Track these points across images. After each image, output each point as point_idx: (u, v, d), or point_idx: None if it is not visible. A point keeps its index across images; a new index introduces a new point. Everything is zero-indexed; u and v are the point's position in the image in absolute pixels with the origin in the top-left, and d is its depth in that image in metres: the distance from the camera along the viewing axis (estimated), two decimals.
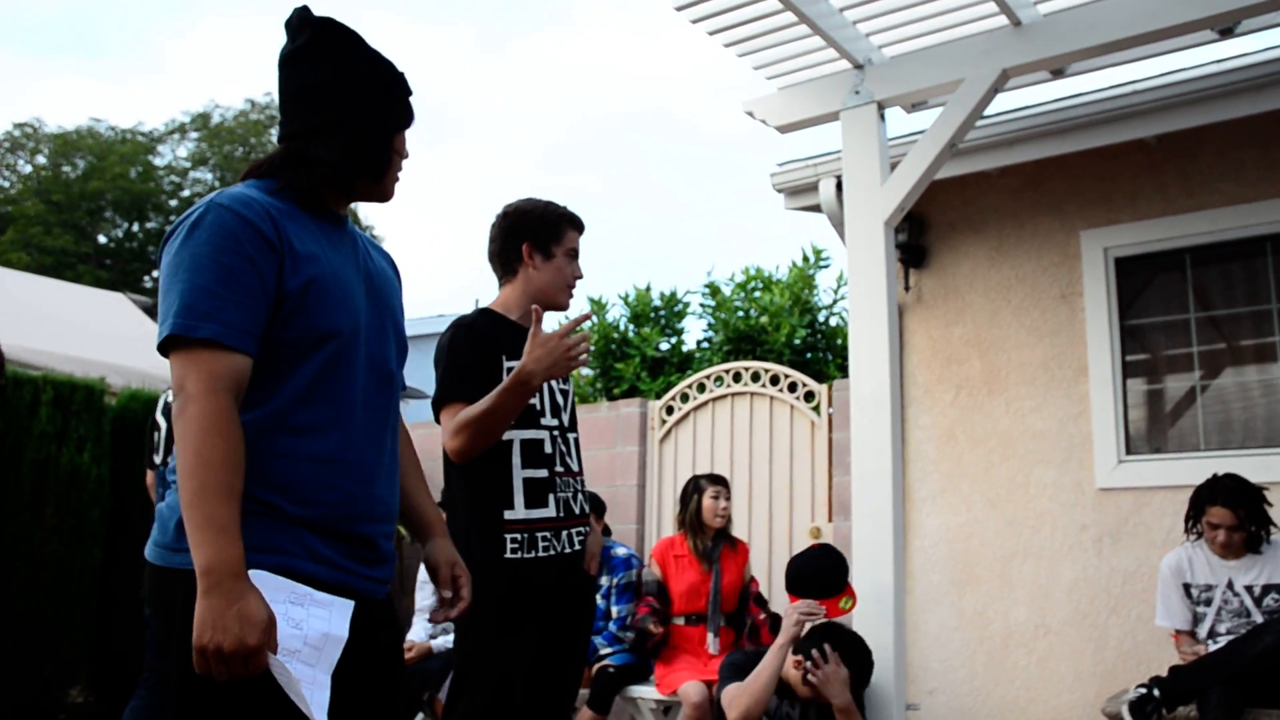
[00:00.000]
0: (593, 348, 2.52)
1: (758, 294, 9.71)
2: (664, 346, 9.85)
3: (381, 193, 2.10)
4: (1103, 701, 4.56)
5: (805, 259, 9.83)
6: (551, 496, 2.94)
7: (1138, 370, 5.31)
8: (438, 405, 2.92)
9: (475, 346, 2.90)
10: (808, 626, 3.98)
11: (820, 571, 4.06)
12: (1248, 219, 5.03)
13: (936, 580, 5.52)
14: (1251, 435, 5.01)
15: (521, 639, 2.81)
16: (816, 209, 5.75)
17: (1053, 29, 4.22)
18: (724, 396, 6.53)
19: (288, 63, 2.04)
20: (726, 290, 9.95)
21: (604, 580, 5.45)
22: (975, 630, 5.38)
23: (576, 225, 3.13)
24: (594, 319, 10.09)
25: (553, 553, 2.91)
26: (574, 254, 3.11)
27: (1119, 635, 5.01)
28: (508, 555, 2.84)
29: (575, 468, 3.07)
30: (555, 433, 3.00)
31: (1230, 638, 4.24)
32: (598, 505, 5.61)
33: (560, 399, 3.07)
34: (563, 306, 3.11)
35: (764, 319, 9.14)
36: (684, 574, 5.19)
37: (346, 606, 1.85)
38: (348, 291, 1.97)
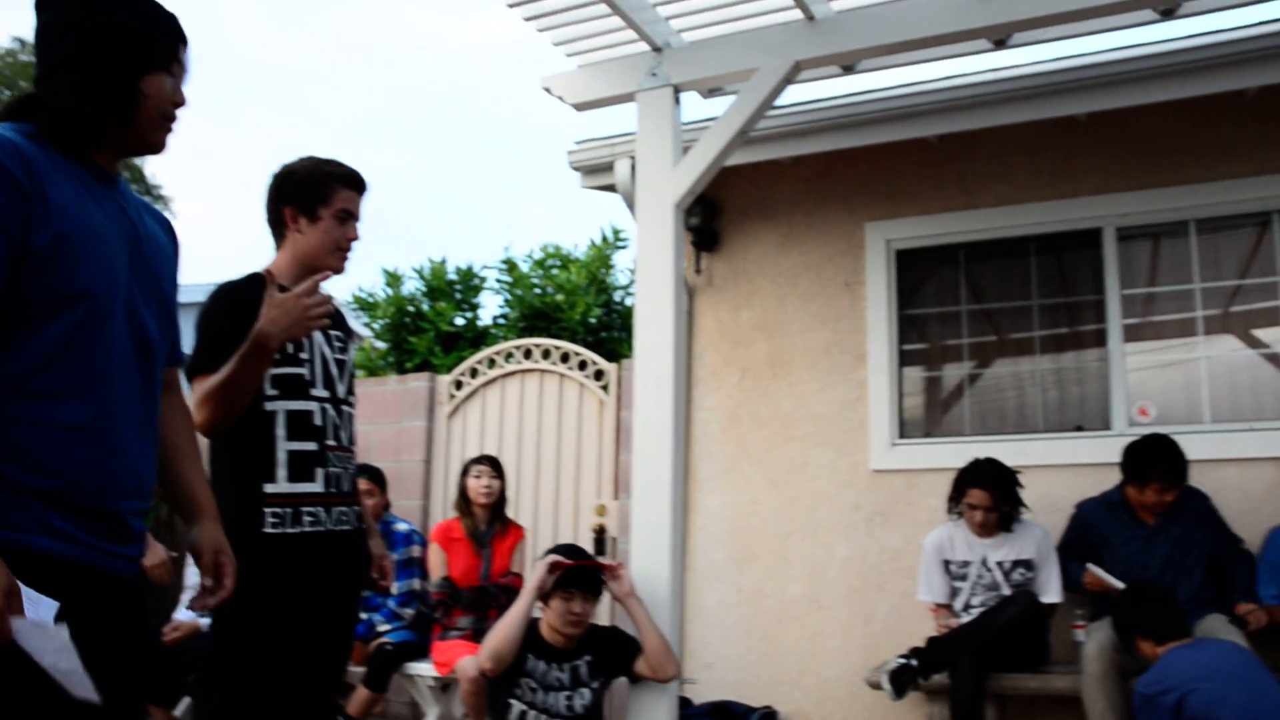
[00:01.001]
0: (332, 307, 2.37)
1: (555, 271, 9.68)
2: (459, 321, 9.70)
3: (140, 140, 1.95)
4: (867, 672, 4.77)
5: (604, 239, 9.86)
6: (319, 471, 2.81)
7: (913, 358, 5.57)
8: (189, 376, 2.75)
9: (233, 313, 2.71)
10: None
11: (575, 549, 4.26)
12: (1015, 219, 5.35)
13: (717, 558, 5.65)
14: (1010, 422, 5.34)
15: (280, 619, 2.69)
16: (612, 189, 5.77)
17: (844, 25, 4.34)
18: (514, 373, 6.50)
19: (37, 4, 1.91)
20: (524, 267, 9.88)
21: None
22: (752, 606, 5.54)
23: (351, 184, 2.94)
24: (389, 291, 9.85)
25: (319, 529, 2.78)
26: (347, 215, 2.92)
27: (885, 609, 5.26)
28: (267, 530, 2.70)
29: (347, 442, 2.95)
30: (327, 404, 2.87)
31: (982, 610, 4.52)
32: (379, 479, 5.49)
33: (335, 369, 2.93)
34: (335, 270, 2.91)
35: (560, 297, 9.13)
36: (459, 557, 5.20)
37: (51, 607, 1.68)
38: (107, 253, 1.84)
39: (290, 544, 2.73)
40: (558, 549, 4.22)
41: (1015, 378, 5.41)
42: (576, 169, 5.94)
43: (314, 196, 2.88)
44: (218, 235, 46.41)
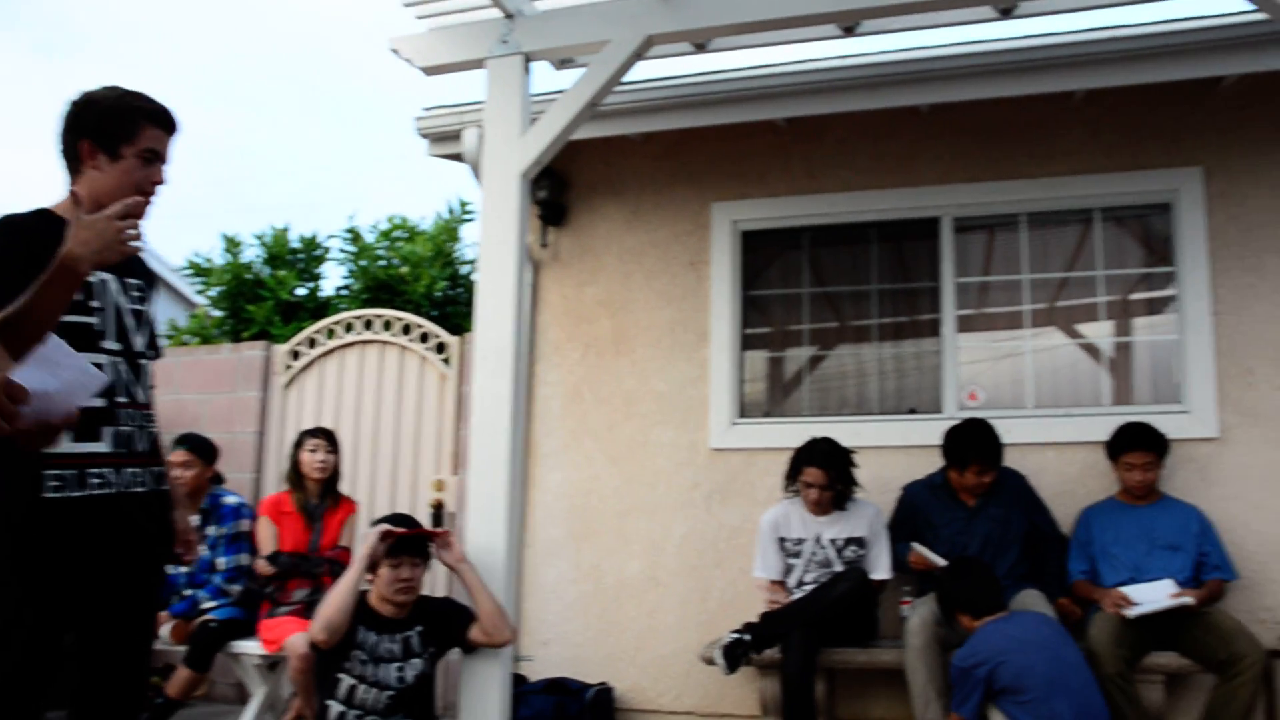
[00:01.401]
0: (144, 236, 2.18)
1: (400, 243, 9.46)
2: (301, 291, 9.39)
3: None
4: (702, 648, 4.82)
5: (451, 211, 9.69)
6: (108, 430, 2.58)
7: (756, 339, 5.63)
8: None
9: (16, 248, 2.43)
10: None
11: (404, 517, 4.22)
12: (858, 205, 5.45)
13: (556, 534, 5.61)
14: (847, 404, 5.45)
15: (66, 591, 2.47)
16: (459, 158, 5.65)
17: (697, 2, 4.32)
18: (354, 344, 6.32)
19: None
20: (369, 238, 9.62)
21: (211, 530, 5.13)
22: (591, 583, 5.53)
23: (159, 122, 2.67)
24: (228, 257, 9.45)
25: (108, 491, 2.56)
26: (153, 156, 2.65)
27: (722, 586, 5.31)
28: (48, 494, 2.45)
29: (143, 399, 2.71)
30: (120, 359, 2.64)
31: (814, 586, 4.61)
32: (207, 450, 5.26)
33: (131, 320, 2.70)
34: (136, 216, 2.54)
35: (405, 269, 8.93)
36: (289, 531, 5.04)
37: None
38: None
39: (74, 508, 2.49)
40: (387, 518, 4.13)
41: (854, 361, 5.53)
42: (424, 135, 5.79)
43: (117, 132, 2.61)
44: (44, 190, 44.01)
